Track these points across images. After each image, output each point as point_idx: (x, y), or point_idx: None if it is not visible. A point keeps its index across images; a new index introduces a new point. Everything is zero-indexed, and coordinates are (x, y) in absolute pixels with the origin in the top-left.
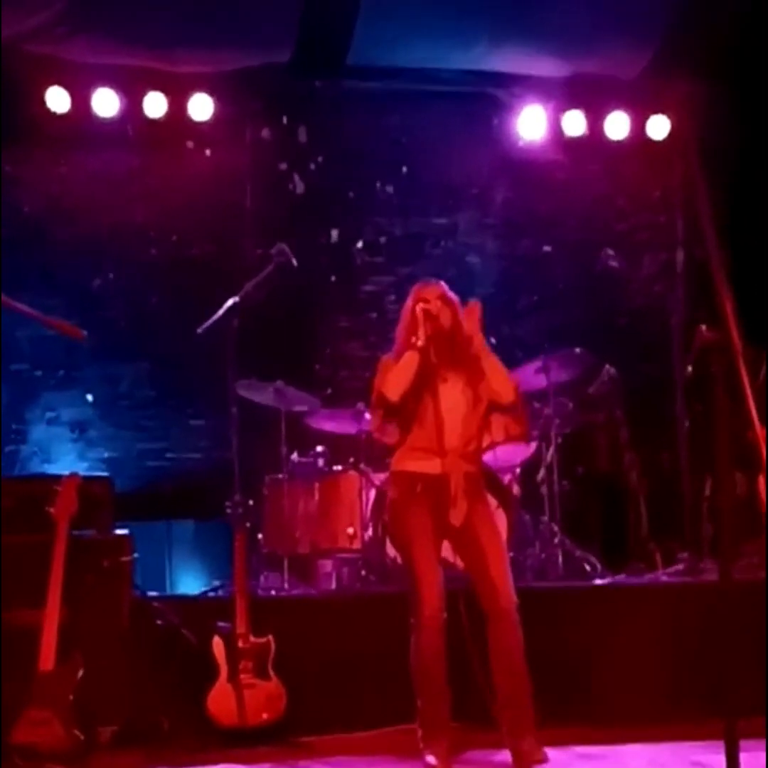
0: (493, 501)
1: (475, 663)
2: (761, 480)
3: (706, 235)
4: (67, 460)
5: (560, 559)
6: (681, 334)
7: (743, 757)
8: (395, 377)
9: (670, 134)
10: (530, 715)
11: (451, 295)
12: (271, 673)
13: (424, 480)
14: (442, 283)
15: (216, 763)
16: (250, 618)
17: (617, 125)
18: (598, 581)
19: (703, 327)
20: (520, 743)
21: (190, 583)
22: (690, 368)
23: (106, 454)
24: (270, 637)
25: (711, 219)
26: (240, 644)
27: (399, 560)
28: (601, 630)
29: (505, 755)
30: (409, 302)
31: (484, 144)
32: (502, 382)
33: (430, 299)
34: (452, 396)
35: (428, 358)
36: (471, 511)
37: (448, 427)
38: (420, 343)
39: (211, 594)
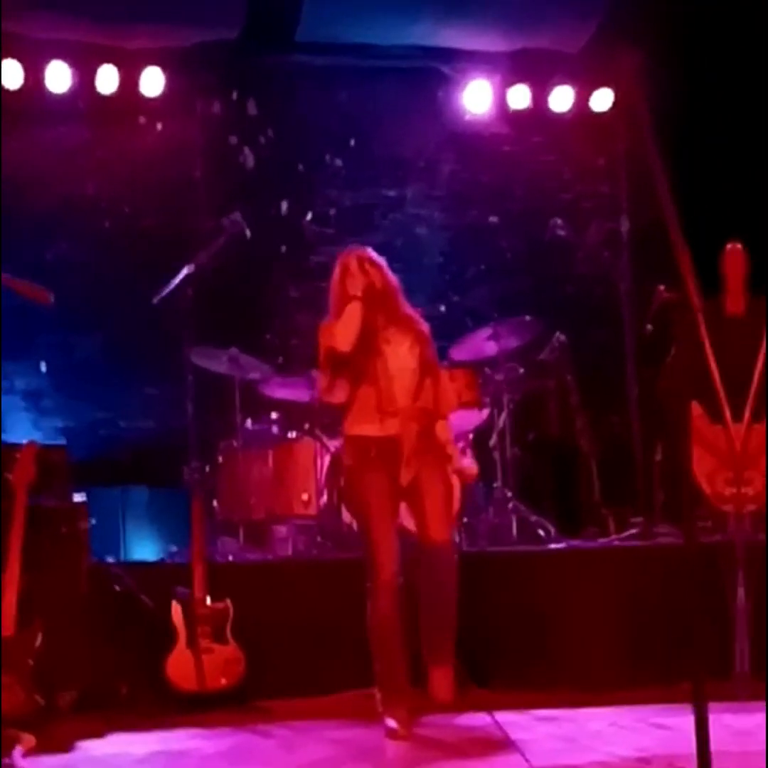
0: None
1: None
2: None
3: (660, 193)
4: (21, 430)
5: (514, 524)
6: (628, 300)
7: None
8: (342, 327)
9: (614, 106)
10: (449, 647)
11: (377, 257)
12: (230, 637)
13: (377, 443)
14: (368, 247)
15: (175, 727)
16: (208, 583)
17: (562, 98)
18: (552, 545)
19: (662, 287)
20: (433, 671)
21: (144, 549)
22: (649, 327)
23: (60, 423)
24: (228, 602)
25: (664, 175)
26: (198, 609)
27: (354, 526)
28: (557, 594)
29: (467, 719)
30: (336, 270)
31: (431, 118)
32: (445, 401)
33: (354, 263)
34: (399, 355)
35: (368, 315)
36: (420, 468)
37: (397, 386)
38: (359, 292)
39: (168, 560)
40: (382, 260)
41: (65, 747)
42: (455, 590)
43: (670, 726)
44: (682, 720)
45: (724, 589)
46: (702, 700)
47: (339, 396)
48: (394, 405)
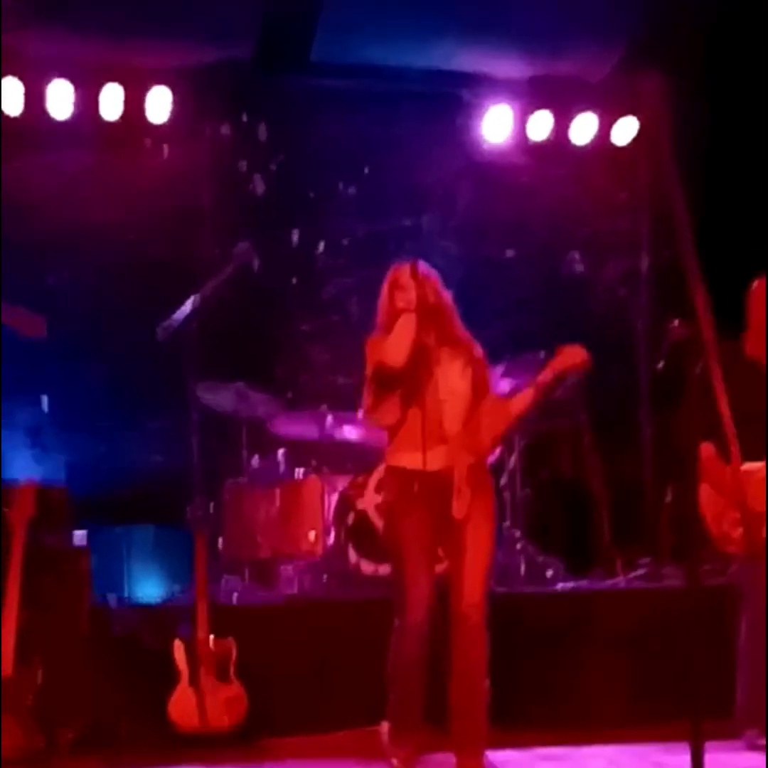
0: None
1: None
2: (701, 487)
3: (680, 226)
4: (22, 465)
5: (522, 564)
6: (645, 339)
7: (705, 758)
8: (395, 341)
9: (638, 136)
10: (482, 731)
11: (430, 269)
12: (233, 677)
13: (421, 478)
14: (420, 260)
15: (177, 765)
16: (211, 622)
17: (584, 128)
18: (560, 586)
19: (676, 322)
20: (468, 761)
21: (149, 588)
22: (661, 364)
23: (62, 459)
24: (231, 641)
25: (684, 209)
26: (200, 649)
27: (361, 567)
28: (563, 633)
29: None
30: (385, 284)
31: (448, 145)
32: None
33: (403, 273)
34: (450, 378)
35: (420, 330)
36: (473, 507)
37: (448, 411)
38: (411, 306)
39: (172, 599)
40: (435, 273)
41: None
42: (484, 663)
43: (669, 764)
44: (681, 758)
45: (729, 631)
46: (699, 740)
47: (386, 418)
48: (444, 431)
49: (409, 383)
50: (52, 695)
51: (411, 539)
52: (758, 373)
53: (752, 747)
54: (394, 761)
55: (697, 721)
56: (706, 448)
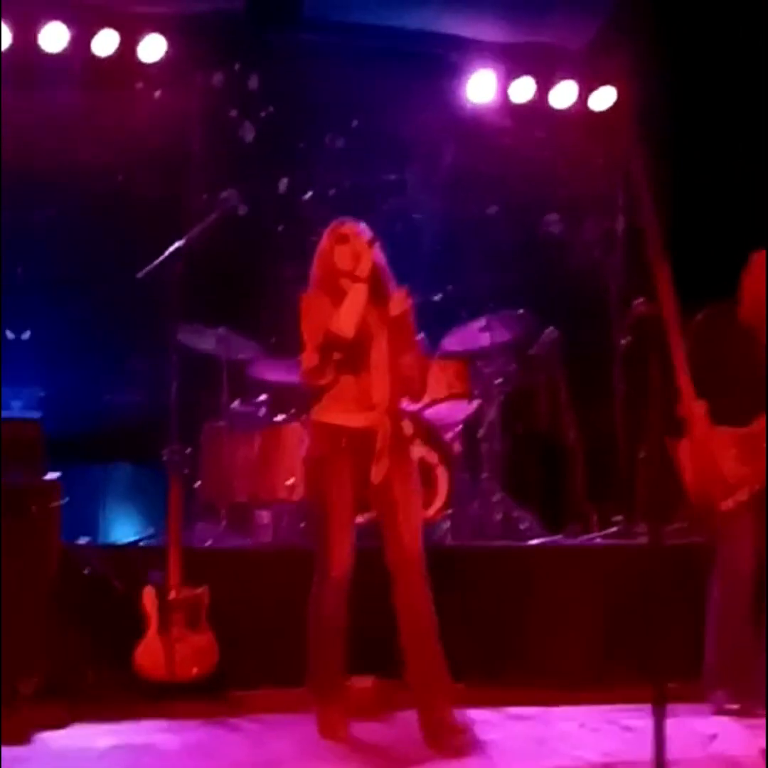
0: (433, 457)
1: None
2: (680, 446)
3: (643, 209)
4: None
5: (499, 517)
6: (619, 299)
7: (671, 722)
8: (347, 311)
9: (615, 104)
10: (442, 682)
11: (370, 233)
12: (205, 625)
13: (349, 434)
14: (362, 222)
15: (142, 718)
16: (183, 568)
17: (564, 93)
18: (533, 541)
19: (640, 300)
20: (432, 713)
21: (123, 529)
22: (626, 339)
23: (40, 394)
24: (204, 588)
25: (648, 191)
26: (172, 595)
27: None
28: (535, 591)
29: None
30: (325, 241)
31: (434, 104)
32: (420, 382)
33: (350, 235)
34: (379, 346)
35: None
36: (392, 468)
37: (376, 378)
38: (364, 274)
39: (145, 542)
40: (373, 237)
41: (23, 737)
42: (431, 610)
43: (637, 728)
44: (650, 722)
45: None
46: (662, 705)
47: (323, 379)
48: (371, 397)
49: (349, 350)
50: (15, 640)
51: (337, 494)
52: (752, 339)
53: (719, 711)
54: (325, 721)
55: (659, 687)
56: (699, 407)
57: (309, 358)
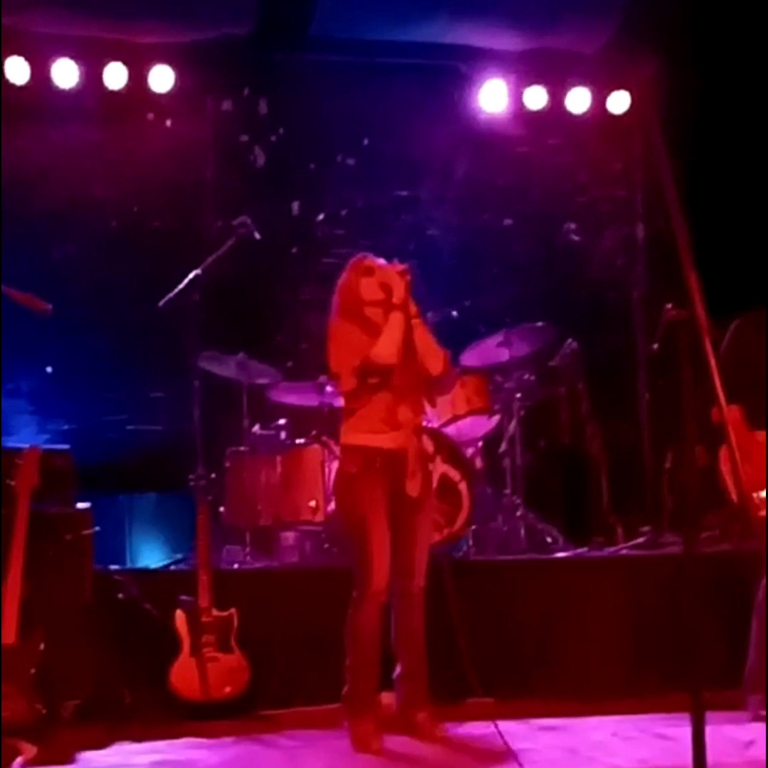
0: (455, 473)
1: (460, 634)
2: (722, 453)
3: (671, 211)
4: (26, 433)
5: (522, 532)
6: (642, 307)
7: (707, 729)
8: (388, 339)
9: (630, 109)
10: (425, 689)
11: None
12: (234, 646)
13: (382, 455)
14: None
15: (178, 736)
16: (213, 591)
17: (578, 100)
18: (559, 554)
19: (669, 305)
20: (415, 715)
21: (150, 556)
22: (656, 346)
23: (65, 427)
24: (233, 610)
25: (675, 194)
26: (202, 618)
27: None
28: (563, 603)
29: (470, 728)
30: (349, 274)
31: (446, 117)
32: (431, 353)
33: (375, 268)
34: (404, 367)
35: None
36: (422, 487)
37: (407, 399)
38: (400, 302)
39: (173, 567)
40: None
41: (66, 757)
42: (424, 632)
43: (671, 736)
44: (684, 730)
45: (745, 598)
46: (700, 711)
47: (360, 402)
48: (397, 418)
49: (387, 375)
50: (54, 664)
51: (374, 512)
52: None
53: (756, 717)
54: (358, 735)
55: (696, 692)
56: (733, 412)
57: (347, 382)
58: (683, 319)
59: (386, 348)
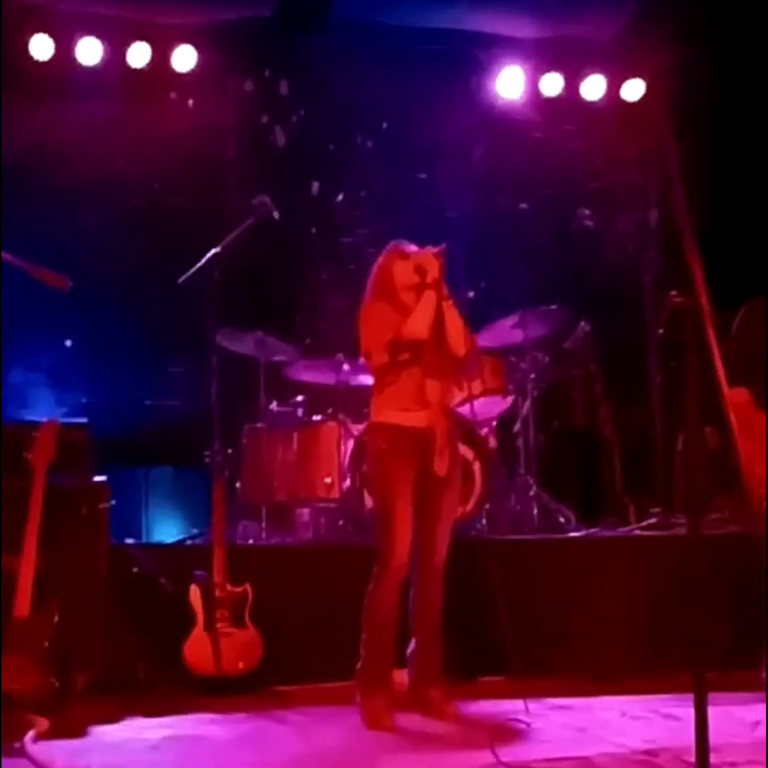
0: (469, 453)
1: (503, 615)
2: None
3: (675, 201)
4: (44, 406)
5: (535, 511)
6: (653, 292)
7: (713, 710)
8: (421, 314)
9: (645, 96)
10: (438, 666)
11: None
12: (248, 622)
13: (411, 433)
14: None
15: (192, 712)
16: (228, 567)
17: (594, 86)
18: (572, 534)
19: (674, 292)
20: (427, 691)
21: (166, 530)
22: (661, 332)
23: (83, 401)
24: (247, 586)
25: (681, 185)
26: (217, 593)
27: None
28: (575, 582)
29: (484, 706)
30: (384, 258)
31: (464, 102)
32: (457, 334)
33: (410, 253)
34: (434, 346)
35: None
36: (445, 477)
37: (430, 379)
38: (434, 281)
39: (189, 542)
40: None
41: (79, 731)
42: (442, 609)
43: (680, 717)
44: (692, 711)
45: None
46: (702, 691)
47: (389, 378)
48: (426, 397)
49: (418, 351)
50: (68, 638)
51: (401, 488)
52: None
53: None
54: (370, 711)
55: (699, 672)
56: (740, 394)
57: (379, 356)
58: (687, 306)
59: (418, 322)
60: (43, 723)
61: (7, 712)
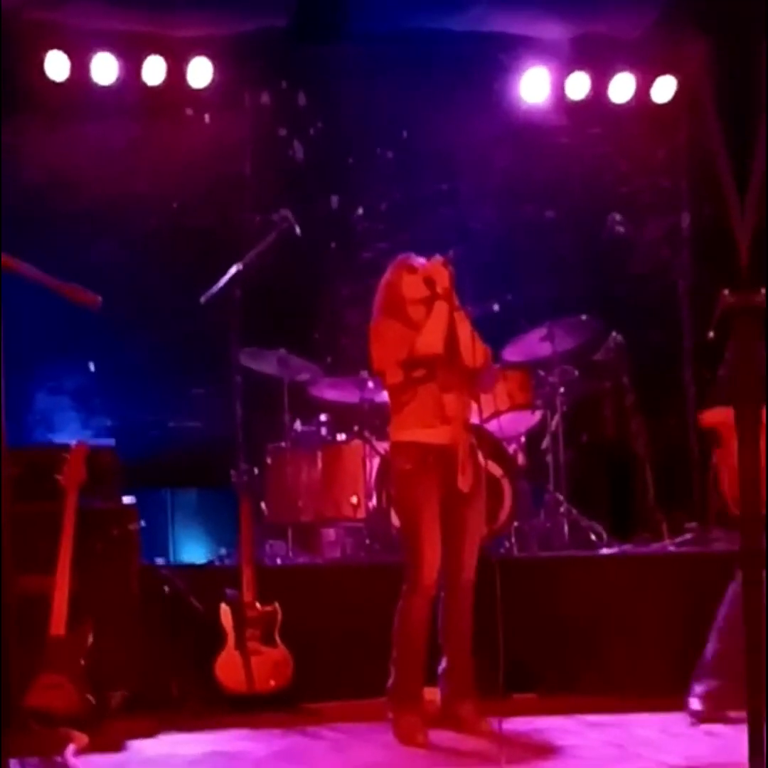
0: (498, 470)
1: (501, 632)
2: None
3: (727, 193)
4: (70, 429)
5: (566, 528)
6: (688, 298)
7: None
8: (433, 328)
9: (676, 95)
10: (471, 682)
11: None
12: (278, 640)
13: (434, 451)
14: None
15: (225, 728)
16: (257, 586)
17: (622, 87)
18: (604, 550)
19: (727, 291)
20: (460, 708)
21: (193, 551)
22: (712, 333)
23: (108, 423)
24: (276, 605)
25: (730, 174)
26: (247, 612)
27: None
28: (608, 599)
29: (514, 724)
30: (392, 273)
31: (486, 108)
32: (470, 345)
33: (418, 267)
34: (448, 359)
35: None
36: (469, 493)
37: (447, 393)
38: (444, 292)
39: (217, 562)
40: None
41: (117, 746)
42: (472, 625)
43: (720, 733)
44: (733, 728)
45: None
46: (758, 707)
47: (406, 396)
48: (446, 413)
49: (433, 366)
50: (103, 656)
51: (427, 507)
52: None
53: (691, 713)
54: (403, 728)
55: (754, 688)
56: (726, 413)
57: (394, 375)
58: (741, 305)
59: (432, 336)
60: (83, 738)
61: (48, 727)
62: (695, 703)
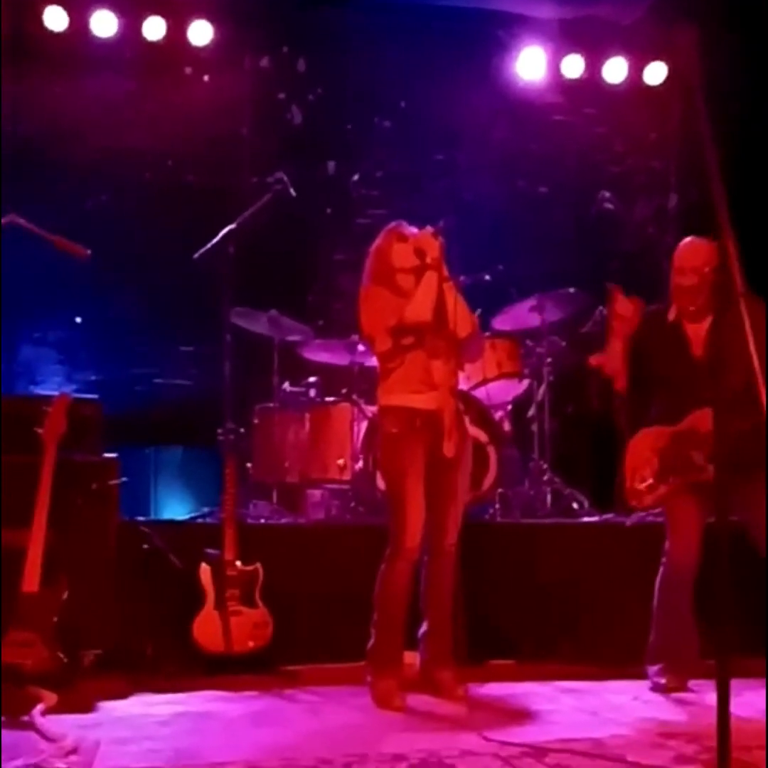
0: (483, 436)
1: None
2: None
3: (711, 179)
4: (53, 382)
5: (549, 496)
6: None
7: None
8: (422, 297)
9: (668, 79)
10: (449, 648)
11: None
12: (258, 601)
13: (421, 416)
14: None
15: (200, 689)
16: (238, 545)
17: (615, 69)
18: (585, 519)
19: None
20: (438, 673)
21: (175, 508)
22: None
23: (93, 377)
24: (258, 565)
25: (717, 162)
26: (227, 571)
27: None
28: (588, 567)
29: (490, 689)
30: (383, 240)
31: (484, 83)
32: (461, 315)
33: (409, 236)
34: (437, 327)
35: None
36: (459, 447)
37: (435, 360)
38: (434, 262)
39: (199, 520)
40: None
41: (88, 706)
42: (454, 591)
43: (691, 701)
44: (703, 695)
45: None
46: (726, 675)
47: (394, 362)
48: (433, 379)
49: (421, 333)
50: (77, 613)
51: (412, 471)
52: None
53: (655, 687)
54: (380, 691)
55: (723, 660)
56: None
57: (382, 342)
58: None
59: (421, 305)
60: (52, 697)
61: (16, 685)
62: (656, 677)
